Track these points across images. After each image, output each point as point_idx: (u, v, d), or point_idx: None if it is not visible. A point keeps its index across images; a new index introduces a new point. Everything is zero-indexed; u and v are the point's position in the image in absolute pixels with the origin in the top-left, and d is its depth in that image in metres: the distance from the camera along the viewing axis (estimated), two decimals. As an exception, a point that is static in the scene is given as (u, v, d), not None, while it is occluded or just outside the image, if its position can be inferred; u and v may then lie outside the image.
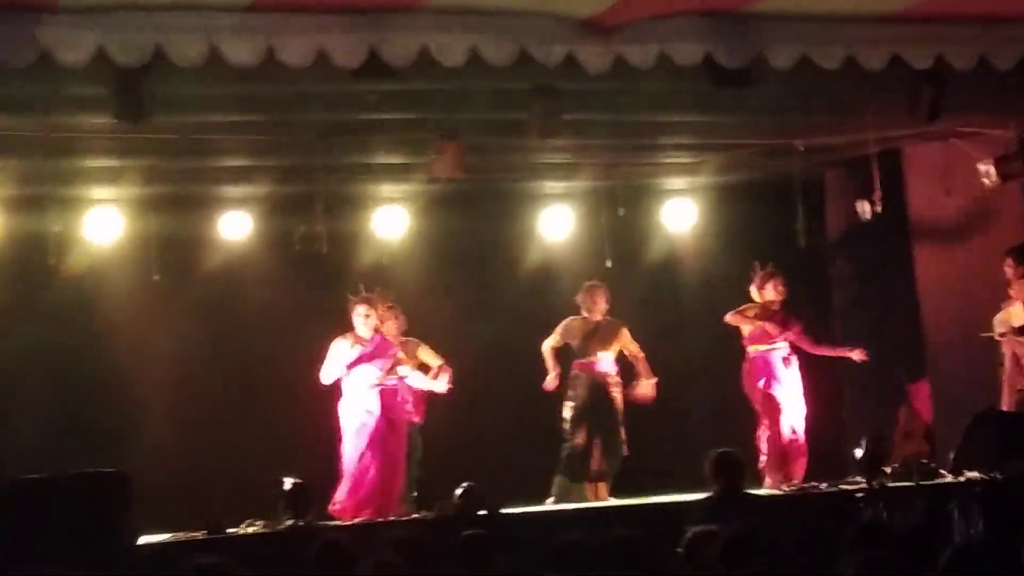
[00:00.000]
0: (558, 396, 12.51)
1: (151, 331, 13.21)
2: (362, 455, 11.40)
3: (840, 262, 14.25)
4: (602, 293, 12.51)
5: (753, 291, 12.60)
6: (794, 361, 12.60)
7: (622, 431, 12.39)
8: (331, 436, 11.50)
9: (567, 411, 12.40)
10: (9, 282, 12.45)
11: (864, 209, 13.02)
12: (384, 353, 11.56)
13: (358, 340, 11.49)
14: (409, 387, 11.94)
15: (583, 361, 12.51)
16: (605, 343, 12.51)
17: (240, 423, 13.00)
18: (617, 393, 12.47)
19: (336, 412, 11.46)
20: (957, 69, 9.63)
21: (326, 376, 11.44)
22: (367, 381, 11.49)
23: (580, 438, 12.30)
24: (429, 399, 12.15)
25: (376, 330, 11.55)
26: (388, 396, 11.59)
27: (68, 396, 12.94)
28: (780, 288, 12.53)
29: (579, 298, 12.53)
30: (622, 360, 12.61)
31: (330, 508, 11.20)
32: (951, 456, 12.03)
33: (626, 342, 12.57)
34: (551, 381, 12.43)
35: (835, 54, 9.29)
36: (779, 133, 12.21)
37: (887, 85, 10.06)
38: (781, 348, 12.57)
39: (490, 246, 13.97)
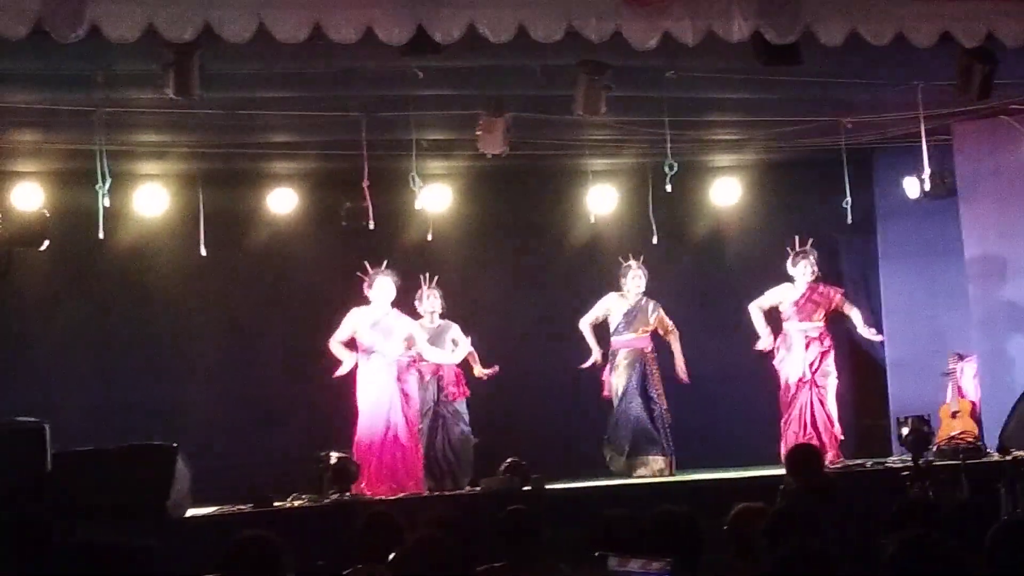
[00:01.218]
0: (600, 372, 12.57)
1: (198, 306, 13.30)
2: (382, 431, 11.47)
3: (887, 240, 14.18)
4: (641, 272, 12.54)
5: (789, 267, 12.57)
6: (828, 341, 12.53)
7: (665, 402, 12.42)
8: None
9: (612, 386, 12.44)
10: (58, 257, 12.54)
11: (912, 187, 12.98)
12: (390, 326, 11.65)
13: (375, 312, 11.64)
14: (455, 365, 12.02)
15: (622, 338, 12.54)
16: (645, 322, 12.54)
17: (286, 398, 13.06)
18: (655, 368, 12.51)
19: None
20: (1007, 46, 9.56)
21: (334, 343, 11.59)
22: (383, 356, 11.57)
23: (628, 412, 12.33)
24: (468, 377, 12.20)
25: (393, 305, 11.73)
26: (403, 371, 11.67)
27: (116, 370, 13.04)
28: (812, 267, 12.46)
29: (622, 276, 12.58)
30: (656, 338, 12.65)
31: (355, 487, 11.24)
32: (998, 435, 12.01)
33: (662, 321, 12.60)
34: (596, 358, 12.47)
35: (885, 31, 9.24)
36: (827, 110, 12.15)
37: (937, 62, 9.99)
38: (816, 326, 12.51)
39: (536, 223, 13.97)
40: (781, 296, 12.54)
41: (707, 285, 14.03)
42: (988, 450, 11.96)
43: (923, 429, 11.54)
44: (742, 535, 6.08)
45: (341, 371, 11.58)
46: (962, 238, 13.20)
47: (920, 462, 10.79)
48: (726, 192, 13.80)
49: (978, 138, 13.01)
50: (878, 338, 12.88)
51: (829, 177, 12.90)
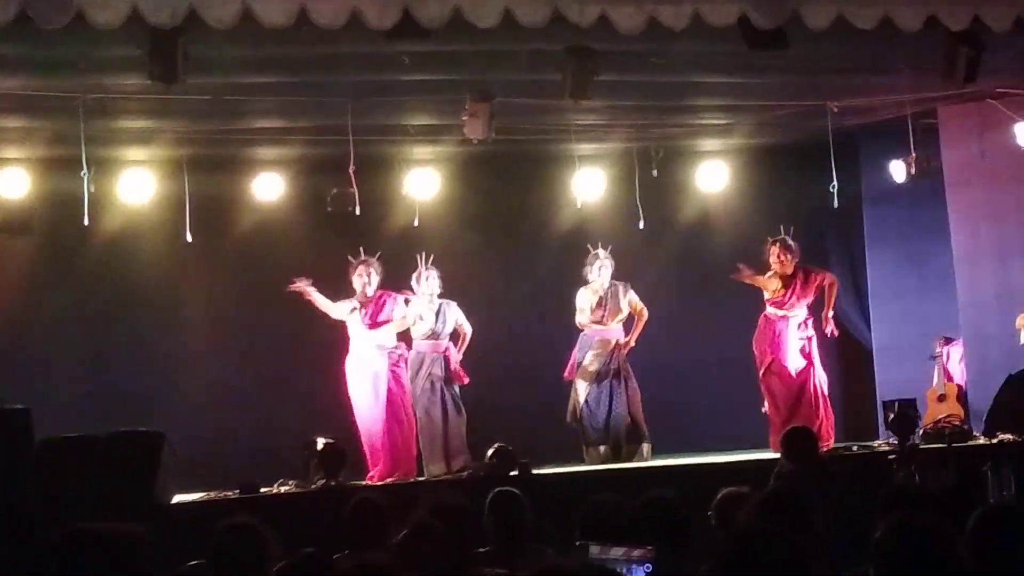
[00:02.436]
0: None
1: (184, 292, 13.28)
2: (373, 418, 11.50)
3: (874, 224, 14.19)
4: (608, 263, 12.54)
5: (768, 256, 12.58)
6: (810, 328, 12.53)
7: (637, 390, 12.42)
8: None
9: (579, 375, 12.49)
10: (43, 243, 12.51)
11: (899, 171, 12.98)
12: (379, 310, 11.71)
13: (360, 301, 11.73)
14: (450, 349, 12.05)
15: (595, 328, 12.55)
16: (616, 310, 12.54)
17: (273, 384, 13.05)
18: (626, 359, 12.53)
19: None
20: (994, 30, 9.55)
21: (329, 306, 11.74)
22: (371, 342, 11.60)
23: (599, 404, 12.35)
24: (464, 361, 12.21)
25: (377, 289, 11.85)
26: (393, 356, 11.67)
27: (102, 356, 13.02)
28: (784, 256, 12.43)
29: (587, 269, 12.57)
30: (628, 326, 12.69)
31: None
32: (984, 418, 12.04)
33: (633, 302, 12.60)
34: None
35: (871, 14, 9.23)
36: (813, 94, 12.14)
37: (923, 46, 9.98)
38: (798, 314, 12.52)
39: (522, 208, 13.96)
40: (766, 282, 12.53)
41: (694, 269, 14.03)
42: (975, 433, 11.99)
43: (910, 413, 11.57)
44: (727, 520, 6.08)
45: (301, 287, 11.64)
46: (948, 222, 13.21)
47: (907, 446, 10.82)
48: (713, 176, 13.79)
49: (964, 122, 13.00)
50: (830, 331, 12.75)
51: (815, 161, 12.90)
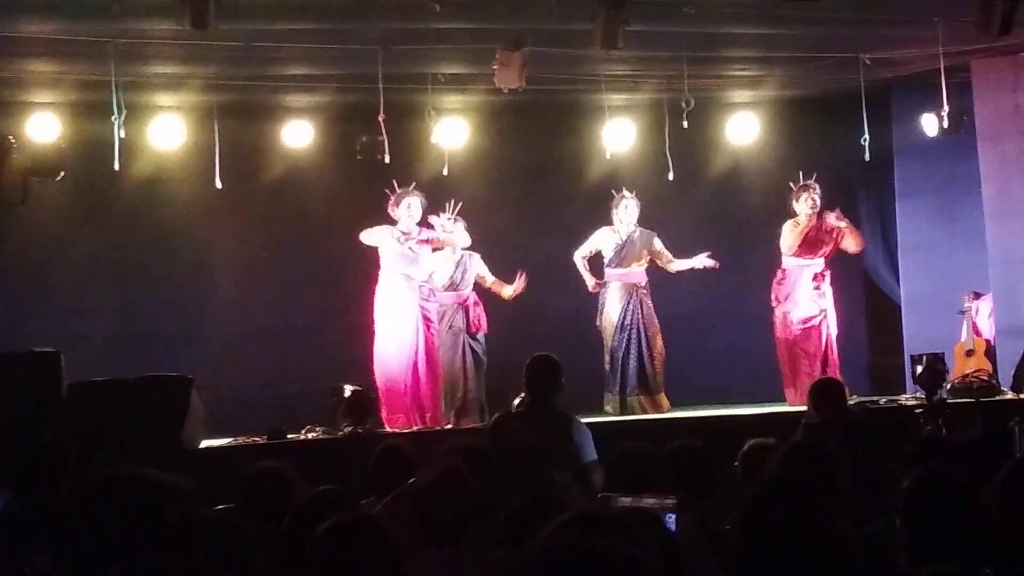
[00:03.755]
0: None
1: (213, 238, 13.31)
2: (406, 358, 11.48)
3: (904, 178, 14.12)
4: (634, 203, 12.52)
5: (792, 203, 12.53)
6: (826, 279, 12.51)
7: (659, 339, 12.41)
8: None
9: (604, 321, 12.48)
10: (74, 188, 12.55)
11: (931, 124, 12.90)
12: (412, 248, 11.66)
13: (395, 234, 11.66)
14: (477, 299, 12.04)
15: (615, 271, 12.55)
16: (637, 255, 12.52)
17: (301, 331, 13.11)
18: (650, 303, 12.50)
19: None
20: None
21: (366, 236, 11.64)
22: (408, 278, 11.58)
23: (621, 349, 12.34)
24: (491, 311, 12.21)
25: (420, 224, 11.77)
26: (423, 291, 11.67)
27: (131, 301, 13.09)
28: (813, 200, 12.40)
29: (614, 208, 12.55)
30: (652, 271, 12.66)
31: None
32: (1012, 373, 12.00)
33: (658, 253, 12.58)
34: (593, 286, 12.49)
35: (905, -34, 9.16)
36: (846, 46, 12.07)
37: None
38: (816, 265, 12.49)
39: (552, 158, 13.93)
40: (789, 234, 12.49)
41: (723, 221, 14.00)
42: (1002, 388, 11.96)
43: (937, 367, 11.54)
44: (754, 470, 6.09)
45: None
46: (980, 176, 13.14)
47: (934, 400, 10.80)
48: (743, 128, 13.74)
49: (998, 76, 12.92)
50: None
51: (846, 114, 12.83)
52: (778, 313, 12.51)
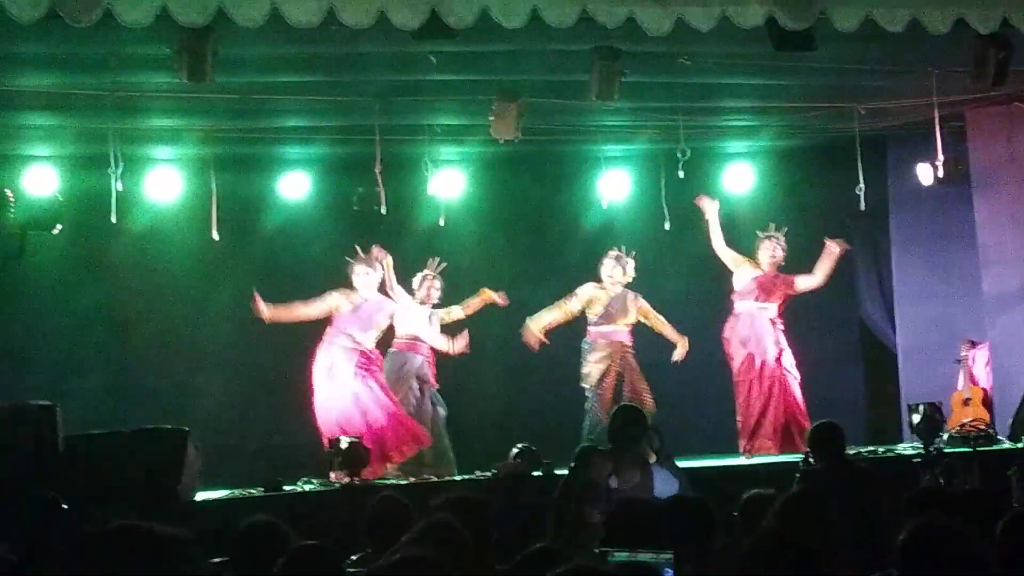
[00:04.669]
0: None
1: (210, 290, 13.31)
2: (356, 417, 11.49)
3: (900, 227, 14.14)
4: (628, 263, 12.49)
5: (757, 251, 12.59)
6: (780, 326, 12.51)
7: (648, 397, 12.31)
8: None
9: (588, 381, 12.40)
10: (71, 241, 12.56)
11: (926, 174, 12.94)
12: (370, 315, 11.67)
13: (353, 299, 11.76)
14: (431, 354, 12.00)
15: (600, 329, 12.49)
16: (625, 313, 12.48)
17: (297, 382, 13.05)
18: (634, 363, 12.43)
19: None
20: (1022, 32, 9.51)
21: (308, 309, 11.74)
22: (353, 344, 11.59)
23: (600, 407, 12.23)
24: (461, 363, 12.17)
25: (380, 288, 11.87)
26: (364, 356, 11.70)
27: (128, 354, 13.09)
28: (775, 251, 12.46)
29: (604, 266, 12.52)
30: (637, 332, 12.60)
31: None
32: (1009, 423, 11.99)
33: (646, 312, 12.53)
34: (536, 344, 12.42)
35: (900, 17, 9.19)
36: (840, 96, 12.12)
37: (951, 49, 9.95)
38: (769, 309, 12.50)
39: (548, 208, 13.96)
40: (744, 275, 12.52)
41: (719, 270, 13.98)
42: (1000, 438, 11.94)
43: (935, 416, 11.51)
44: (754, 521, 6.06)
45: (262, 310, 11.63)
46: (975, 225, 13.16)
47: (931, 449, 10.78)
48: (739, 178, 13.78)
49: (992, 125, 12.97)
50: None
51: (842, 163, 12.88)
52: (738, 352, 12.49)
